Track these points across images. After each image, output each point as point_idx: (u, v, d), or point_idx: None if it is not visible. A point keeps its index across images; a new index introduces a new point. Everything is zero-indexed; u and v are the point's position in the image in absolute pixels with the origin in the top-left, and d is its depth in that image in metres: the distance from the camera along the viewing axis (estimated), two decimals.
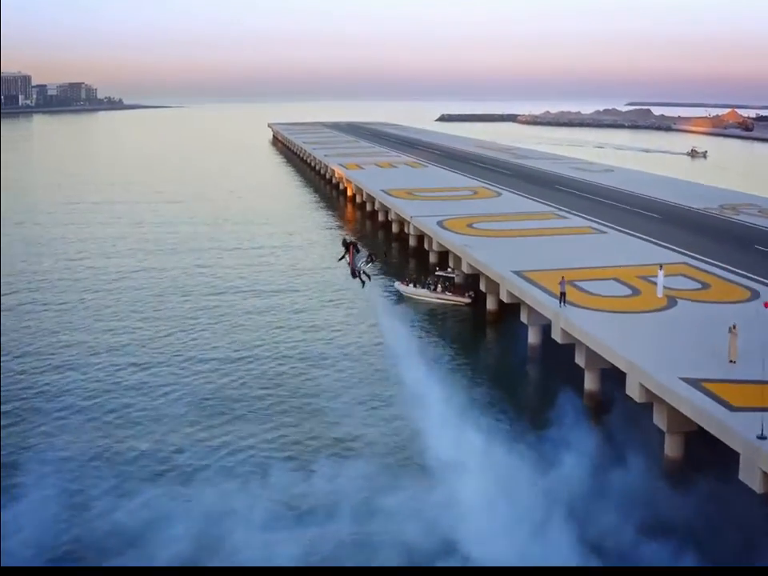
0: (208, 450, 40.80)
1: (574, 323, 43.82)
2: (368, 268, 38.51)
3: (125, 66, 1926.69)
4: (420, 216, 76.16)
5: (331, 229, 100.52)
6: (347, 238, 42.86)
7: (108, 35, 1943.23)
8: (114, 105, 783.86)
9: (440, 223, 71.81)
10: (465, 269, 61.61)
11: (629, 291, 49.62)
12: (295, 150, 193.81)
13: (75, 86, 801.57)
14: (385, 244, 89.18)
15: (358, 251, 38.23)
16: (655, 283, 48.97)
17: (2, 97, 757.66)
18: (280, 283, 73.16)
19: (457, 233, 67.68)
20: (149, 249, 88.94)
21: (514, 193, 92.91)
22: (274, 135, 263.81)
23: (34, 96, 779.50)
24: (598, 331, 42.17)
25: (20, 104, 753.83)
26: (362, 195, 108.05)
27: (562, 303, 46.04)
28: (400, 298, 67.03)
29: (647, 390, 36.82)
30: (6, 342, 55.53)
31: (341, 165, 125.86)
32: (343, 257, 38.28)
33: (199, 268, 79.21)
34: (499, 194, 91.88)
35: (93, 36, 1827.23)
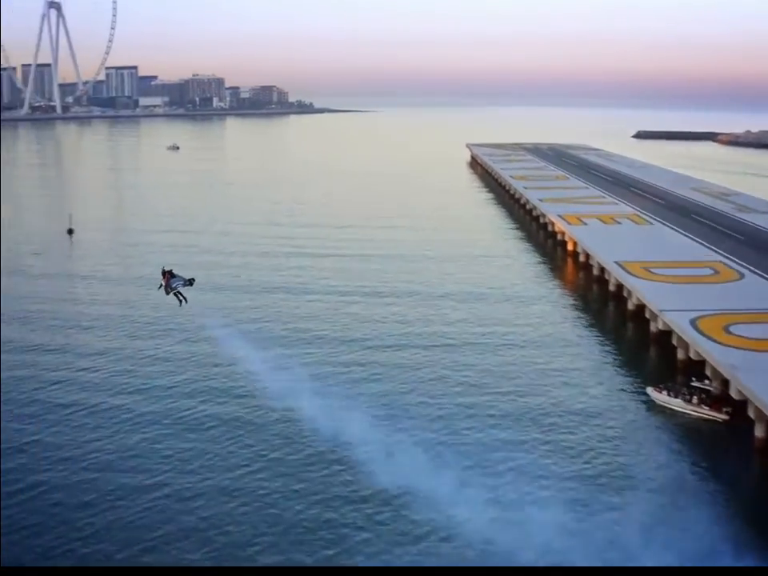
0: None
1: None
2: (183, 289, 47.09)
3: (316, 69, 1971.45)
4: (670, 311, 72.77)
5: (551, 288, 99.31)
6: (165, 267, 48.93)
7: (300, 37, 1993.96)
8: (304, 108, 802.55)
9: (693, 322, 68.31)
10: (734, 394, 58.03)
11: None
12: (500, 181, 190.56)
13: (267, 89, 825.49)
14: (617, 321, 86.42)
15: (173, 276, 47.31)
16: None
17: (197, 98, 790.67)
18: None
19: (715, 341, 64.05)
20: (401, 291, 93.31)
21: (758, 275, 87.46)
22: (472, 157, 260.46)
23: (228, 98, 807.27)
24: None
25: (214, 106, 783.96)
26: (586, 255, 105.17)
27: None
28: (651, 406, 64.13)
29: None
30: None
31: (561, 217, 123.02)
32: (161, 285, 47.43)
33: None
34: (741, 276, 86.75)
35: (285, 38, 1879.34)
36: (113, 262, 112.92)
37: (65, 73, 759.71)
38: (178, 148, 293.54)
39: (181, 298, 47.89)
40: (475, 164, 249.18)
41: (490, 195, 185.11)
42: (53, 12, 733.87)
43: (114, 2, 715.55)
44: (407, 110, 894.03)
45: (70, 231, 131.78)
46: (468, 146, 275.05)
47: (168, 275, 47.83)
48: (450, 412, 61.02)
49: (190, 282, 47.94)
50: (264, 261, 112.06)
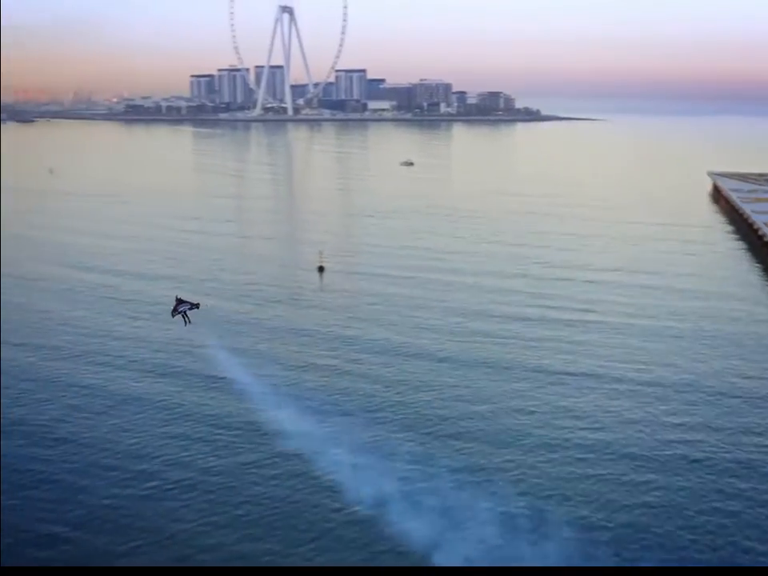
0: None
1: None
2: (190, 312, 55.01)
3: (542, 74, 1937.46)
4: None
5: None
6: (178, 295, 56.16)
7: (527, 40, 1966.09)
8: (531, 116, 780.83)
9: None
10: None
11: None
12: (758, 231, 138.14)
13: (494, 95, 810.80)
14: None
15: (182, 302, 55.30)
16: None
17: (424, 103, 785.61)
18: None
19: None
20: None
21: None
22: (714, 188, 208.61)
23: (455, 104, 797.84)
24: None
25: (441, 111, 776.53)
26: None
27: None
28: None
29: None
30: None
31: None
32: (175, 309, 54.81)
33: None
34: None
35: (512, 42, 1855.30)
36: (370, 315, 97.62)
37: (295, 74, 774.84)
38: (412, 164, 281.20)
39: (186, 319, 55.48)
40: (719, 198, 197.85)
41: (741, 245, 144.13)
42: (285, 16, 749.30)
43: (345, 6, 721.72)
44: (637, 118, 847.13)
45: (321, 269, 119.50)
46: (710, 174, 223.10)
47: (178, 301, 55.90)
48: None
49: (196, 306, 56.17)
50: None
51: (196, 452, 61.75)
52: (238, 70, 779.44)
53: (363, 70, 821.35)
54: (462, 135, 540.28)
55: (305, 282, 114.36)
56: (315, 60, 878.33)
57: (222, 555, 48.33)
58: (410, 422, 67.15)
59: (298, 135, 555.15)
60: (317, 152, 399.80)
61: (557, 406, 70.27)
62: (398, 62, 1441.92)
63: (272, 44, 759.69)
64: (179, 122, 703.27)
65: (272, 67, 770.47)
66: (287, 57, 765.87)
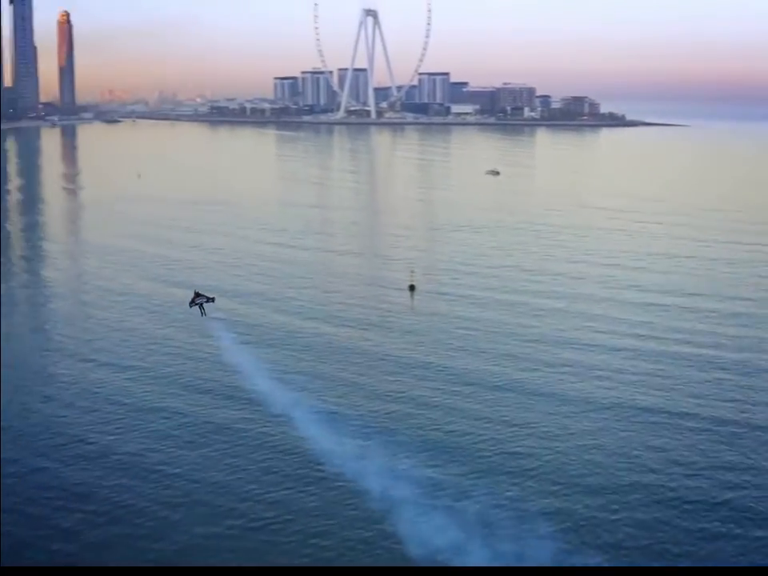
0: None
1: None
2: (206, 305, 64.97)
3: (628, 78, 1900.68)
4: None
5: None
6: (196, 290, 66.97)
7: (609, 42, 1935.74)
8: (615, 121, 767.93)
9: None
10: None
11: None
12: None
13: (578, 100, 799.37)
14: None
15: (199, 295, 65.18)
16: None
17: (508, 108, 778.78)
18: None
19: None
20: None
21: None
22: None
23: (538, 108, 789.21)
24: None
25: (524, 116, 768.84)
26: None
27: None
28: None
29: None
30: None
31: None
32: (193, 300, 65.13)
33: None
34: None
35: (595, 44, 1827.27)
36: (461, 342, 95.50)
37: (379, 77, 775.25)
38: (498, 173, 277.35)
39: (202, 310, 64.80)
40: None
41: None
42: (369, 19, 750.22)
43: (429, 10, 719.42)
44: (723, 125, 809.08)
45: (412, 288, 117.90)
46: None
47: (196, 294, 65.40)
48: None
49: (212, 300, 65.39)
50: None
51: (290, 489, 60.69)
52: (321, 72, 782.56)
53: (446, 73, 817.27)
54: (546, 141, 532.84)
55: (395, 303, 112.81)
56: (398, 63, 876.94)
57: None
58: (500, 460, 65.24)
59: (380, 140, 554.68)
60: (399, 158, 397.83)
61: (650, 446, 67.55)
62: (481, 65, 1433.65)
63: (356, 47, 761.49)
64: (263, 124, 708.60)
65: (355, 70, 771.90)
66: (371, 60, 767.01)
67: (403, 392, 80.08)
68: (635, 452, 67.15)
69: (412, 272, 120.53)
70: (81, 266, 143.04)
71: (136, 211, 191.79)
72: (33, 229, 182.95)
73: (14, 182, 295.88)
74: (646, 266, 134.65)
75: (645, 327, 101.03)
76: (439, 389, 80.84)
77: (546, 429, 71.62)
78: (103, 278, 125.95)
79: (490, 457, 66.28)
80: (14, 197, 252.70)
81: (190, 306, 65.26)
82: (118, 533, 55.26)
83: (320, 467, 62.05)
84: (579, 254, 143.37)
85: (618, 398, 78.72)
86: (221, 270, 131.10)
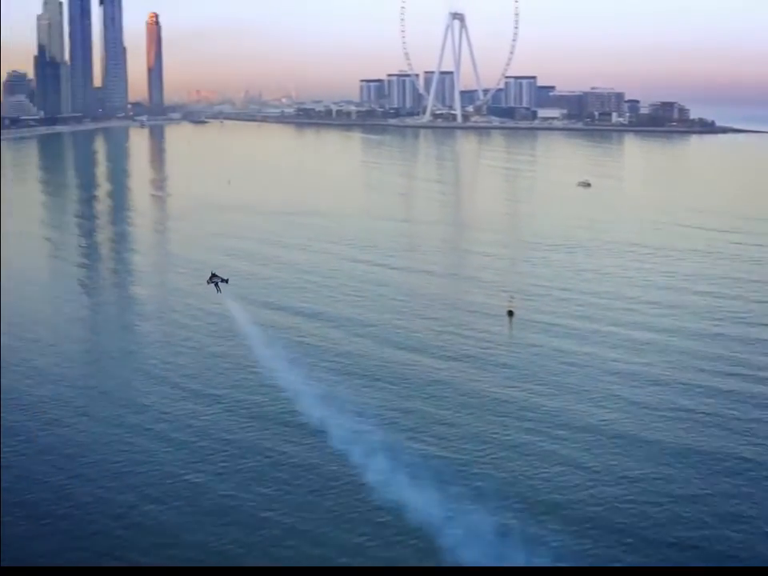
0: None
1: None
2: (221, 283, 76.91)
3: (714, 81, 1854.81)
4: None
5: None
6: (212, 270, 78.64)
7: (699, 47, 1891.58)
8: (705, 127, 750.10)
9: None
10: None
11: None
12: None
13: (667, 106, 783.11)
14: None
15: (215, 276, 76.95)
16: None
17: (595, 113, 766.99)
18: None
19: None
20: None
21: None
22: None
23: (627, 113, 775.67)
24: None
25: (612, 121, 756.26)
26: None
27: None
28: None
29: None
30: None
31: None
32: (210, 279, 77.27)
33: None
34: None
35: (685, 49, 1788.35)
36: (560, 380, 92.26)
37: (465, 80, 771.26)
38: (589, 185, 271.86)
39: (218, 288, 76.86)
40: None
41: None
42: (456, 22, 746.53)
43: (517, 13, 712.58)
44: None
45: (510, 313, 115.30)
46: None
47: (212, 275, 77.15)
48: None
49: (226, 281, 77.39)
50: None
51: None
52: (407, 75, 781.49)
53: (533, 77, 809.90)
54: (635, 150, 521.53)
55: (493, 333, 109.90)
56: (485, 66, 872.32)
57: None
58: (593, 516, 62.37)
59: (466, 145, 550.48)
60: (486, 167, 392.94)
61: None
62: (568, 68, 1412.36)
63: (442, 50, 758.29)
64: (349, 127, 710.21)
65: (442, 73, 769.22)
66: (457, 63, 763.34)
67: (498, 436, 77.61)
68: (749, 511, 63.68)
69: (512, 297, 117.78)
70: (170, 282, 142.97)
71: (226, 222, 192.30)
72: (121, 240, 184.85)
73: (102, 188, 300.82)
74: (744, 295, 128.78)
75: (753, 367, 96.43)
76: (541, 431, 78.25)
77: (654, 478, 68.48)
78: (193, 296, 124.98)
79: (592, 516, 63.34)
80: (103, 204, 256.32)
81: (207, 284, 77.67)
82: None
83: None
84: (677, 280, 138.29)
85: (724, 446, 74.97)
86: (312, 290, 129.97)
